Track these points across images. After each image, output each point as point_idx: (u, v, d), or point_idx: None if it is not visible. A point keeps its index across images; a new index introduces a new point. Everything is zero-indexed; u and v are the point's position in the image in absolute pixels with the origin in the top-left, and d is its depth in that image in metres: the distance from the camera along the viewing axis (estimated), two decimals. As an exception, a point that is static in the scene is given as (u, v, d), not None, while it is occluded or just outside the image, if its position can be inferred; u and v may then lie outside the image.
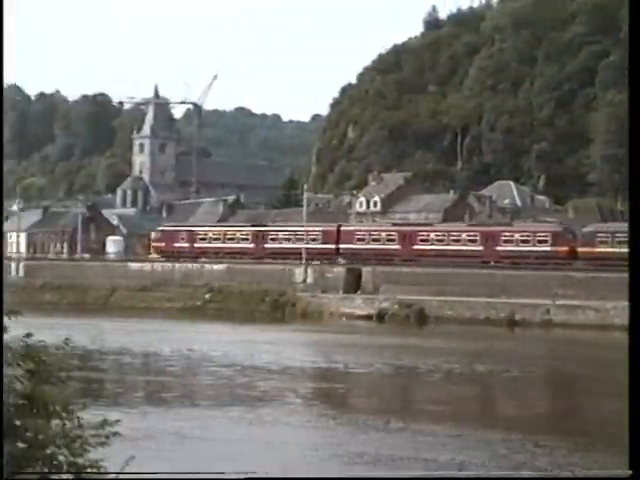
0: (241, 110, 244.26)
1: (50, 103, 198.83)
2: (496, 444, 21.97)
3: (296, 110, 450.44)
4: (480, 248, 70.09)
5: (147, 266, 79.63)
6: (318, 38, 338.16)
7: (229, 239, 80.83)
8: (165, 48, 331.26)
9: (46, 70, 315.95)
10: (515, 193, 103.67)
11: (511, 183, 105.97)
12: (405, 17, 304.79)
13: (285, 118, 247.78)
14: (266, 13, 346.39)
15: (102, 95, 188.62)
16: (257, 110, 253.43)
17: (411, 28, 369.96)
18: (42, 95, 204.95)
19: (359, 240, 75.15)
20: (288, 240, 77.40)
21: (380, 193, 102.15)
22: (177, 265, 77.99)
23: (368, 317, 61.65)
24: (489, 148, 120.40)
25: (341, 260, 75.04)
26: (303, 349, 46.56)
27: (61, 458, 5.92)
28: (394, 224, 79.81)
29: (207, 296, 72.02)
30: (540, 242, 68.70)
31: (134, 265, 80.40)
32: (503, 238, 70.32)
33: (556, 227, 72.28)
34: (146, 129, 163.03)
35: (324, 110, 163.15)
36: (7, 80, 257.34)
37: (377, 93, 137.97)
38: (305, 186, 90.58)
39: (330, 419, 25.90)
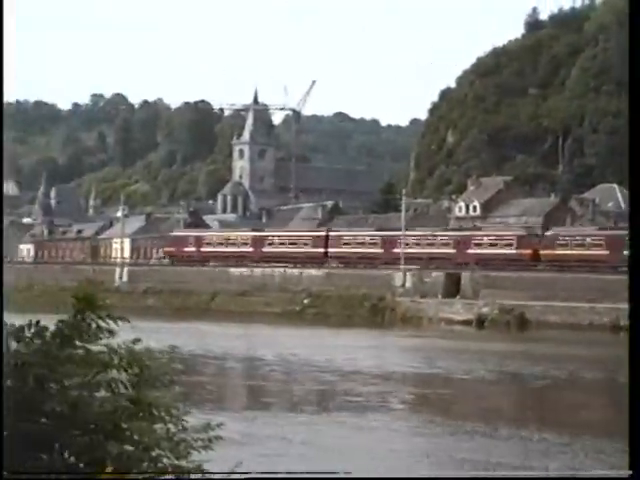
0: (339, 115, 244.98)
1: (153, 111, 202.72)
2: (619, 453, 21.39)
3: (394, 115, 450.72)
4: (453, 251, 75.72)
5: (247, 271, 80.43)
6: (416, 41, 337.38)
7: (231, 244, 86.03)
8: (264, 53, 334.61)
9: (149, 78, 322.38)
10: (619, 196, 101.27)
11: (615, 186, 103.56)
12: (505, 19, 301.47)
13: (383, 123, 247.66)
14: (363, 16, 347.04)
15: (203, 102, 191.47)
16: (355, 115, 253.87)
17: (511, 30, 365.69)
18: (145, 103, 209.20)
19: (345, 244, 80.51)
20: (283, 244, 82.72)
21: (479, 197, 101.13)
22: (276, 270, 78.61)
23: (467, 322, 61.11)
24: (592, 150, 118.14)
25: (332, 264, 78.61)
26: (404, 354, 46.36)
27: (165, 460, 6.00)
28: (378, 229, 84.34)
29: (306, 301, 72.38)
30: (506, 245, 73.91)
31: (234, 270, 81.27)
32: (474, 242, 75.82)
33: (521, 231, 77.30)
34: (246, 135, 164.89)
35: (422, 114, 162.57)
36: (113, 90, 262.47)
37: (477, 97, 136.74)
38: (404, 191, 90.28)
39: (437, 425, 25.66)
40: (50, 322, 6.11)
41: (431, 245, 76.71)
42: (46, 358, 5.83)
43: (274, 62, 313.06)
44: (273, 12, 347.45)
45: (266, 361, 41.00)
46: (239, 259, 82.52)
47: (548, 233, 74.41)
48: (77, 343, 6.01)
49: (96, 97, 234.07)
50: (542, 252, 71.78)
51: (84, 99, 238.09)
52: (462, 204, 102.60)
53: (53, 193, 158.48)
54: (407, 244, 75.86)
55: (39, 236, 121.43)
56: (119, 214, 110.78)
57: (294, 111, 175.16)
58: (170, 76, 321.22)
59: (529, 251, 72.37)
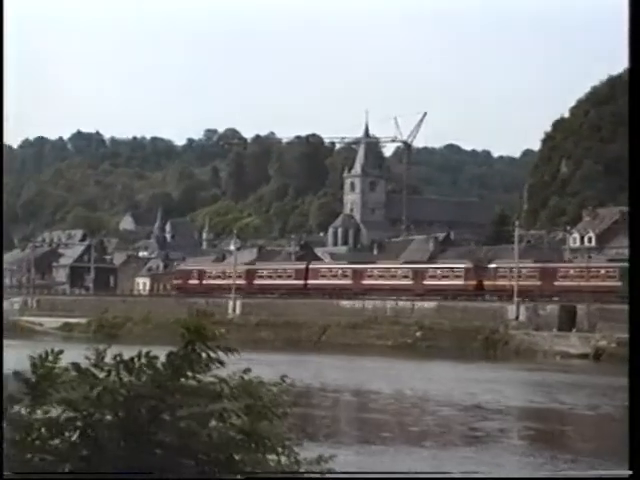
0: (451, 147, 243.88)
1: (265, 145, 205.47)
2: None
3: (507, 146, 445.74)
4: (411, 282, 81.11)
5: (358, 303, 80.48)
6: (527, 72, 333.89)
7: (228, 276, 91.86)
8: (374, 86, 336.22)
9: (261, 113, 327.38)
10: None
11: None
12: (620, 48, 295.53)
13: (495, 154, 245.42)
14: (473, 47, 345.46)
15: (314, 136, 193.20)
16: (467, 147, 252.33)
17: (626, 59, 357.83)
18: (257, 137, 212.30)
19: (322, 276, 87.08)
20: (270, 277, 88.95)
21: (595, 228, 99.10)
22: (388, 303, 78.44)
23: (584, 356, 59.67)
24: None
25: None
26: (522, 388, 45.47)
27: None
28: (350, 262, 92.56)
29: (418, 334, 71.88)
30: (456, 277, 79.52)
31: (345, 302, 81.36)
32: (428, 274, 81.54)
33: (468, 264, 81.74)
34: (357, 168, 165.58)
35: (535, 145, 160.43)
36: (226, 125, 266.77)
37: (592, 126, 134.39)
38: (516, 222, 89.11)
39: (563, 462, 24.92)
40: (163, 354, 6.13)
41: (393, 277, 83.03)
42: (158, 389, 5.83)
43: (384, 94, 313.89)
44: (382, 44, 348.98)
45: (382, 394, 40.64)
46: (233, 291, 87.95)
47: (491, 265, 79.90)
48: (188, 374, 6.01)
49: (210, 132, 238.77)
50: (485, 282, 77.94)
51: (198, 134, 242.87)
52: (577, 235, 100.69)
53: (168, 227, 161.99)
54: (371, 276, 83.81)
55: (155, 269, 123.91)
56: (232, 247, 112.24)
57: (405, 143, 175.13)
58: (281, 110, 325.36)
59: (474, 282, 78.19)
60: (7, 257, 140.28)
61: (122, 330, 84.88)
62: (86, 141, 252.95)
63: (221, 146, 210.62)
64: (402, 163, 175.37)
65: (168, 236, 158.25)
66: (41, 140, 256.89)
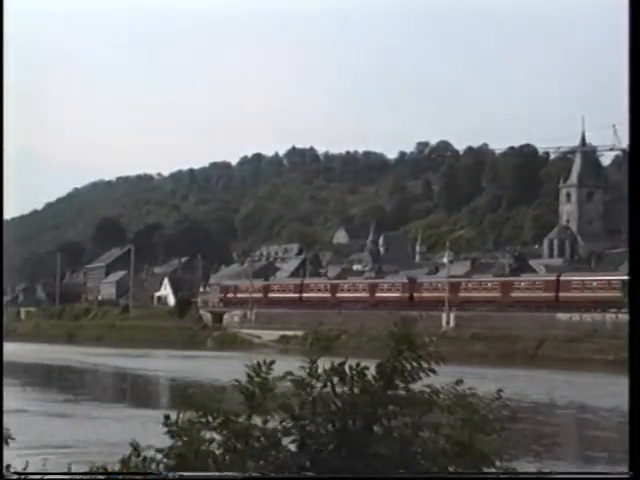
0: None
1: (478, 156, 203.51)
2: None
3: None
4: (366, 295, 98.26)
5: (575, 317, 78.29)
6: None
7: (253, 291, 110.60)
8: (588, 93, 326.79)
9: (473, 125, 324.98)
10: None
11: None
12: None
13: None
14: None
15: (527, 146, 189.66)
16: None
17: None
18: (470, 149, 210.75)
19: (311, 290, 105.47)
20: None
21: None
22: (607, 316, 75.86)
23: None
24: None
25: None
26: None
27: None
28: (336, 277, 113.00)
29: (641, 348, 69.00)
30: (397, 290, 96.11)
31: (561, 315, 79.32)
32: (378, 287, 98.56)
33: (405, 279, 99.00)
34: (573, 178, 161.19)
35: None
36: (438, 138, 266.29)
37: None
38: None
39: None
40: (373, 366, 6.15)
41: (356, 290, 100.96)
42: (370, 399, 5.85)
43: (599, 102, 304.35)
44: (596, 50, 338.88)
45: (616, 411, 38.97)
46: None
47: (419, 280, 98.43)
48: (398, 384, 6.00)
49: (421, 145, 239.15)
50: (415, 295, 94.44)
51: (410, 147, 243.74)
52: None
53: (381, 240, 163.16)
54: (343, 290, 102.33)
55: None
56: (445, 260, 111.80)
57: (624, 151, 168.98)
58: (495, 121, 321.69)
59: (407, 294, 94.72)
60: (227, 272, 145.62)
61: (337, 342, 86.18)
62: (300, 157, 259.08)
63: (433, 159, 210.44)
64: (621, 171, 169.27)
65: (381, 249, 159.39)
66: (258, 157, 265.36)
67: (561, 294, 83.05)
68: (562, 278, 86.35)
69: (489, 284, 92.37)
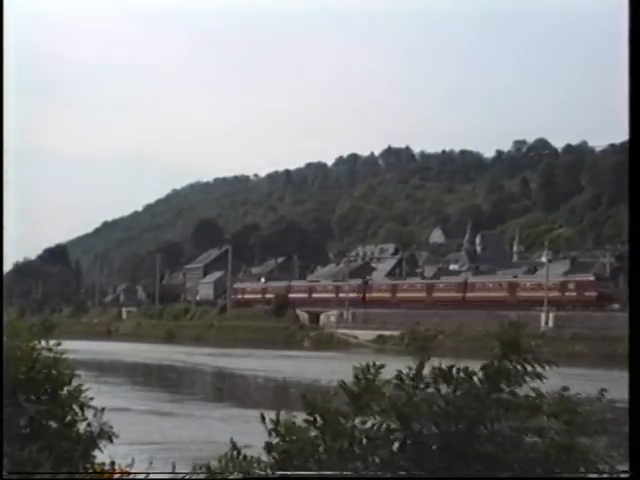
0: None
1: (577, 154, 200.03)
2: None
3: None
4: (334, 295, 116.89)
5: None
6: None
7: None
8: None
9: (573, 122, 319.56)
10: None
11: None
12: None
13: None
14: None
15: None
16: None
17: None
18: (569, 147, 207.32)
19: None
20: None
21: None
22: None
23: None
24: None
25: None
26: None
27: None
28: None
29: None
30: (352, 291, 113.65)
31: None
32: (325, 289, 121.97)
33: (360, 281, 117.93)
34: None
35: None
36: (535, 135, 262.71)
37: None
38: None
39: None
40: (476, 366, 6.13)
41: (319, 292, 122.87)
42: (475, 402, 5.84)
43: None
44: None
45: None
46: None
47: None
48: (504, 387, 5.97)
49: (519, 143, 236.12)
50: (367, 295, 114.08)
51: (507, 146, 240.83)
52: None
53: (478, 240, 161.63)
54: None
55: (608, 280, 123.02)
56: (543, 259, 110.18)
57: None
58: (595, 118, 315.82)
59: (361, 295, 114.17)
60: (322, 272, 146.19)
61: (434, 343, 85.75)
62: (396, 156, 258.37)
63: (531, 157, 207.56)
64: None
65: (478, 249, 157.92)
66: (354, 157, 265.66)
67: None
68: None
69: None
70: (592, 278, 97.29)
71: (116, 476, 6.37)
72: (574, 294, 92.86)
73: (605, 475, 5.85)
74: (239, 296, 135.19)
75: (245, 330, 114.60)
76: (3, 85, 7.40)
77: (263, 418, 6.31)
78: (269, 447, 6.23)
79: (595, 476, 5.79)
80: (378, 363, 6.13)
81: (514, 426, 5.75)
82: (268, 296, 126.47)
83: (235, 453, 6.34)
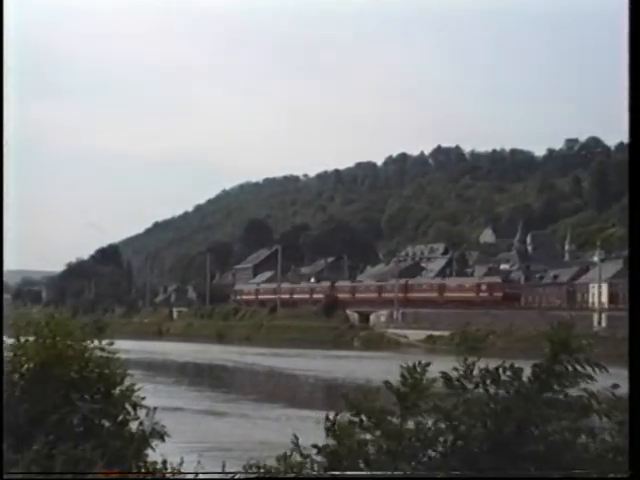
0: None
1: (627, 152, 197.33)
2: None
3: None
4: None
5: None
6: None
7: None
8: None
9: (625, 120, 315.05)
10: None
11: None
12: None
13: None
14: None
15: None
16: None
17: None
18: (622, 145, 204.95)
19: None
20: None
21: None
22: None
23: None
24: None
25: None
26: None
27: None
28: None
29: None
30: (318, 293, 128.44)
31: None
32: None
33: (329, 284, 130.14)
34: None
35: None
36: (587, 134, 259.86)
37: None
38: None
39: None
40: (527, 367, 6.09)
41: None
42: (524, 402, 5.81)
43: None
44: None
45: None
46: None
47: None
48: (555, 387, 5.93)
49: (571, 142, 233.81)
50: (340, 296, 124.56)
51: (559, 144, 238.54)
52: None
53: (529, 239, 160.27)
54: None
55: (516, 282, 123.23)
56: (595, 259, 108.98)
57: None
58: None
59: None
60: (372, 272, 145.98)
61: (485, 343, 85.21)
62: (446, 155, 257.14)
63: (583, 156, 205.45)
64: None
65: (529, 248, 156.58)
66: (403, 156, 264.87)
67: None
68: None
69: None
70: (499, 280, 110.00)
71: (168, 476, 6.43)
72: (486, 294, 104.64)
73: (605, 475, 5.79)
74: (239, 297, 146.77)
75: (295, 330, 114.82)
76: (3, 86, 7.52)
77: (328, 419, 6.31)
78: (319, 448, 6.24)
79: (595, 476, 5.74)
80: (424, 362, 6.12)
81: (565, 426, 5.71)
82: (316, 296, 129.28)
83: (288, 453, 6.37)
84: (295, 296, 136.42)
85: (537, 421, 5.77)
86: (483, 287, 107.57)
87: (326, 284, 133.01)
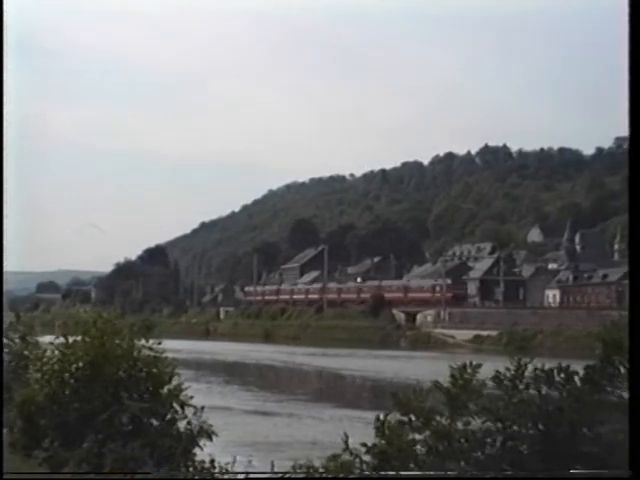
0: None
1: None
2: None
3: None
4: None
5: None
6: None
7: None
8: None
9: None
10: None
11: None
12: None
13: None
14: None
15: None
16: None
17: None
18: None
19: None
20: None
21: None
22: None
23: None
24: None
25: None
26: None
27: None
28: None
29: None
30: (309, 293, 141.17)
31: None
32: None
33: (320, 285, 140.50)
34: None
35: None
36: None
37: None
38: None
39: None
40: (577, 367, 6.01)
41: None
42: (577, 403, 5.74)
43: None
44: None
45: None
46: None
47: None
48: (607, 389, 5.84)
49: (620, 140, 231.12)
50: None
51: (608, 143, 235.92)
52: None
53: (577, 238, 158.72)
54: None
55: (564, 282, 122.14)
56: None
57: None
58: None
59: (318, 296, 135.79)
60: (419, 271, 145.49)
61: (532, 343, 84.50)
62: (493, 154, 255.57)
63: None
64: None
65: (578, 247, 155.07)
66: (450, 156, 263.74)
67: None
68: None
69: None
70: (449, 282, 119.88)
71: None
72: (439, 295, 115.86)
73: (605, 475, 5.68)
74: (248, 298, 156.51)
75: (342, 330, 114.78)
76: (3, 86, 7.55)
77: (378, 419, 6.29)
78: (368, 448, 6.22)
79: (595, 476, 5.63)
80: (475, 362, 6.05)
81: (618, 428, 5.61)
82: (363, 296, 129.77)
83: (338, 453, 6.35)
84: (342, 296, 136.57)
85: (589, 422, 5.68)
86: (437, 288, 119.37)
87: (373, 284, 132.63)
